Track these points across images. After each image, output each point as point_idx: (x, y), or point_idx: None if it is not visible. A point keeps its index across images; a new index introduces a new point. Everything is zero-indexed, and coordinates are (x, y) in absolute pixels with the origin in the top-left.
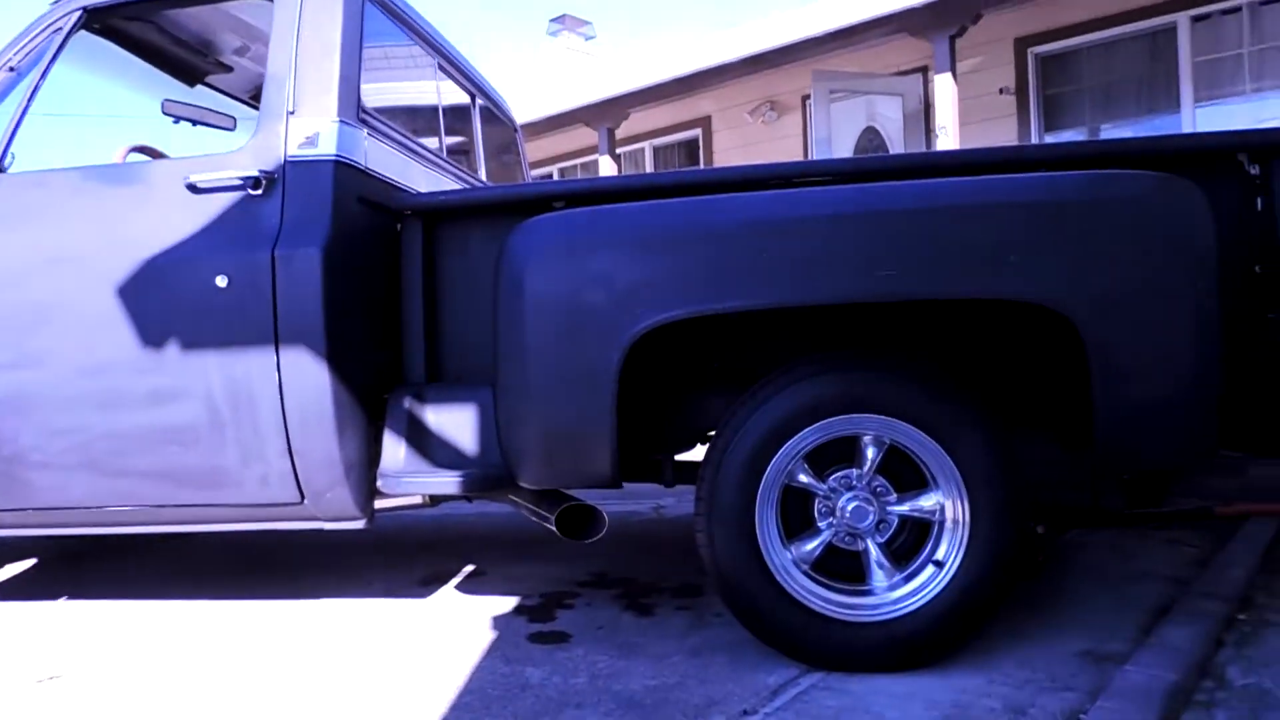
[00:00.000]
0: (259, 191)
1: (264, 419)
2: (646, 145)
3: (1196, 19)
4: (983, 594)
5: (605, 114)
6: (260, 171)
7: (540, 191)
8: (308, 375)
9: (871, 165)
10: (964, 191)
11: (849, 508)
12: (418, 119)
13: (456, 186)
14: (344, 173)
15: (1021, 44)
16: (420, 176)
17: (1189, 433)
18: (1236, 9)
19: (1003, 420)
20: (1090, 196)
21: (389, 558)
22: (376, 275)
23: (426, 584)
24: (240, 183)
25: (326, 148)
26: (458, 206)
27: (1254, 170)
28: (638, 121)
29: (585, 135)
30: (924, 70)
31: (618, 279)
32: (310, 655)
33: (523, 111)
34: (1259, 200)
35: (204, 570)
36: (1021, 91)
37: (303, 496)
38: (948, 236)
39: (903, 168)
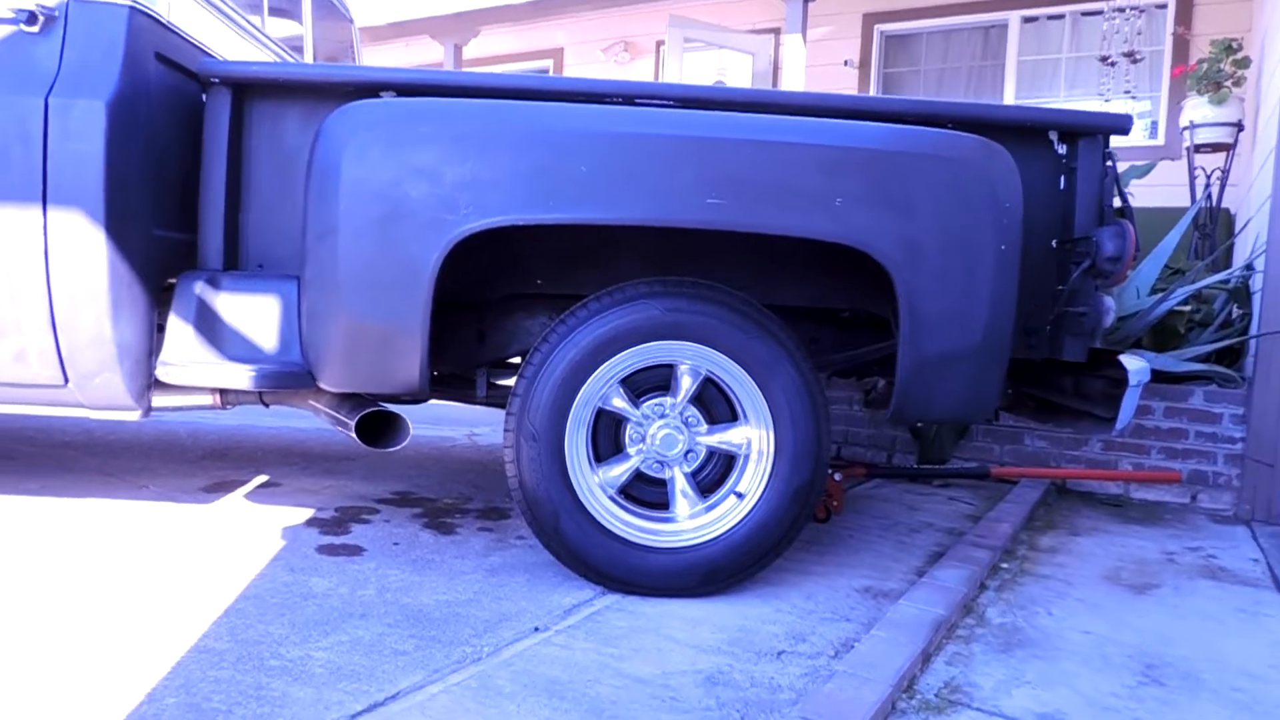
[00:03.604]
0: (34, 29)
1: (23, 286)
2: (495, 70)
3: (1026, 19)
4: (778, 528)
5: (454, 28)
6: (39, 6)
7: (368, 77)
8: (79, 241)
9: (715, 96)
10: (799, 130)
11: (659, 435)
12: None
13: None
14: (140, 21)
15: (869, 20)
16: (235, 48)
17: (978, 389)
18: (1061, 16)
19: (813, 364)
20: (916, 149)
21: (170, 463)
22: (170, 146)
23: (210, 491)
24: (13, 15)
25: None
26: (274, 80)
27: (1061, 150)
28: (488, 42)
29: (431, 50)
30: (776, 32)
31: (445, 176)
32: (64, 555)
33: (363, 14)
34: (1062, 178)
35: None
36: (865, 66)
37: (66, 379)
38: (779, 172)
39: (745, 102)
